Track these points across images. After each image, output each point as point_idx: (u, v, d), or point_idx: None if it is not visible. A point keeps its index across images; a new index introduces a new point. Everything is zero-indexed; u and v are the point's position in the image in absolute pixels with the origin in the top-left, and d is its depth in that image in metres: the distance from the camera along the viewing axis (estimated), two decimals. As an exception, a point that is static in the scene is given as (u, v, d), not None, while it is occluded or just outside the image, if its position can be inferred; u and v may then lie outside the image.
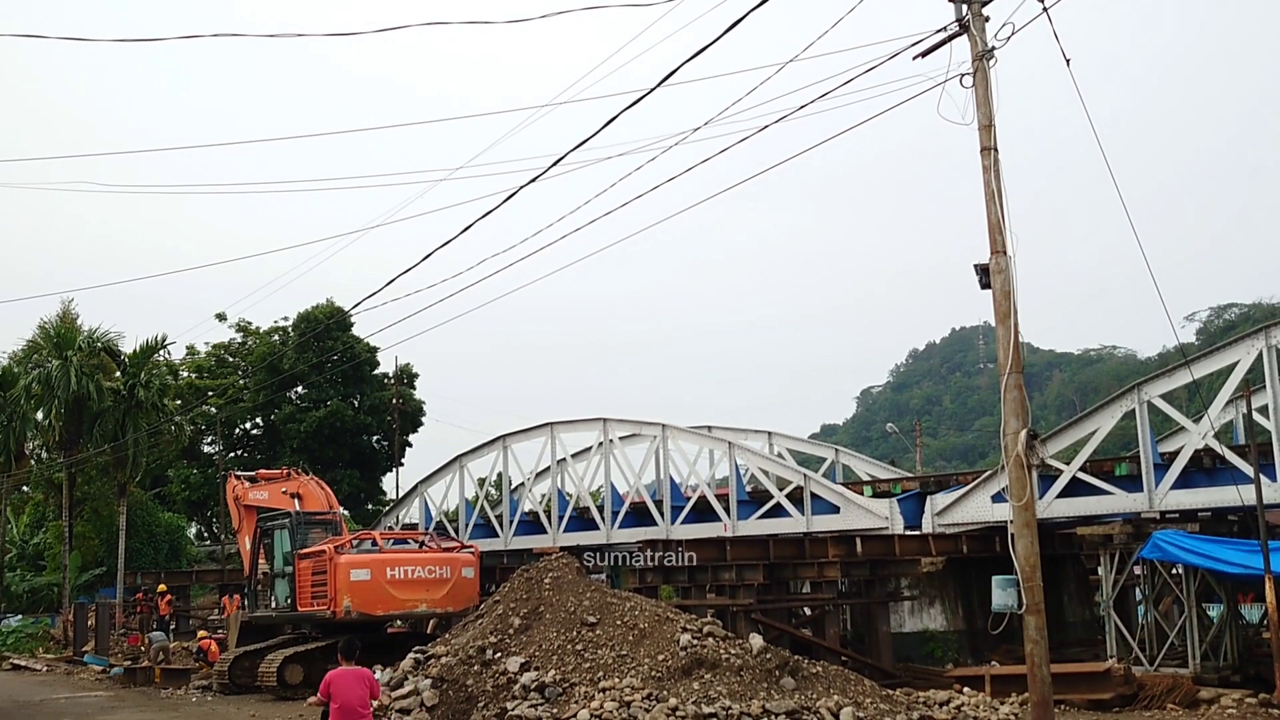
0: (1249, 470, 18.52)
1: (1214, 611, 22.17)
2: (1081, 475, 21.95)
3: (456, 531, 34.72)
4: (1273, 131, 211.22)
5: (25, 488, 53.23)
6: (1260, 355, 19.93)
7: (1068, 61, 13.74)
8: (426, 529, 33.71)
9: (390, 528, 37.92)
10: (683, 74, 14.06)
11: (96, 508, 47.23)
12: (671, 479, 30.13)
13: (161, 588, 39.33)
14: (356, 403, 56.71)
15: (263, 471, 33.19)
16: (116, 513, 43.30)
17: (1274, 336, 19.86)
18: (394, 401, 56.09)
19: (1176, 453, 21.25)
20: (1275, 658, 17.26)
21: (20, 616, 45.69)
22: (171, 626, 36.93)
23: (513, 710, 15.48)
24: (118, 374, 44.23)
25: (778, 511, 27.14)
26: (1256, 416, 20.82)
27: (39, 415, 43.96)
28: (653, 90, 14.55)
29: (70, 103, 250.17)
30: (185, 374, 58.15)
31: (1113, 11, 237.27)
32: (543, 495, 34.75)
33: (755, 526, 27.16)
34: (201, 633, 35.90)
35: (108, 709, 23.45)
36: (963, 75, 13.50)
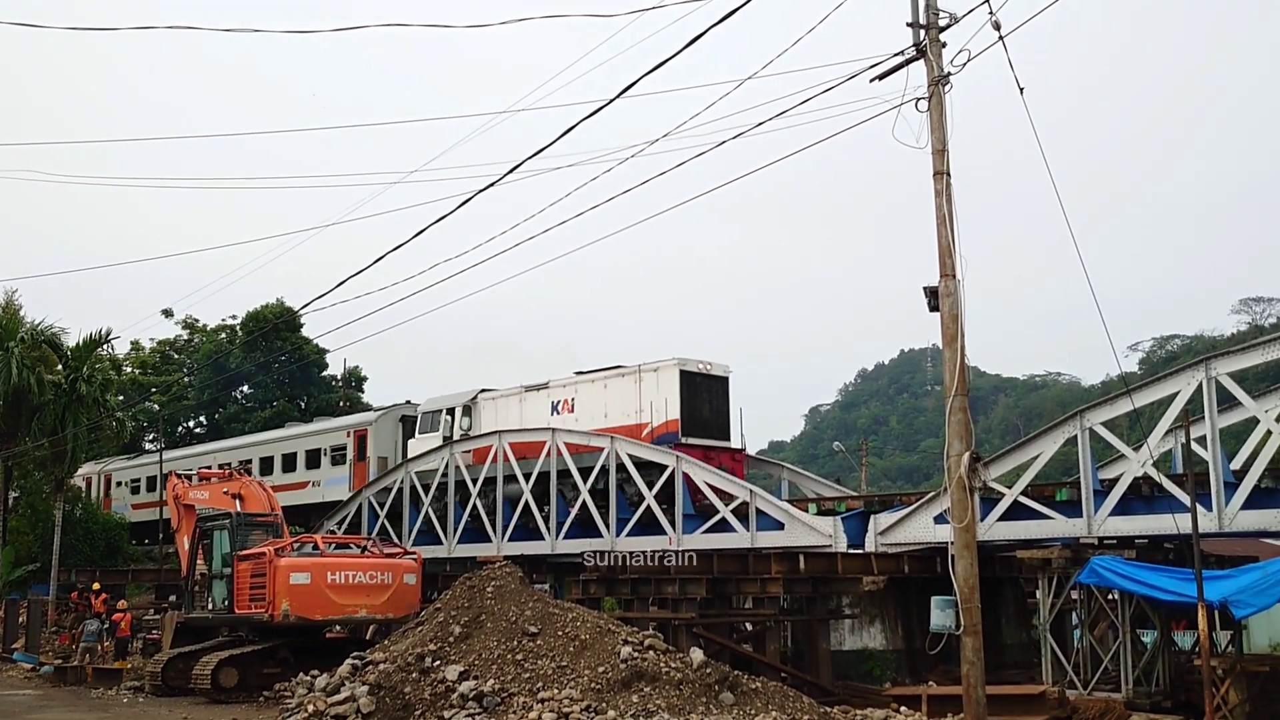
0: (1186, 499, 18.79)
1: (1148, 638, 22.47)
2: (1023, 499, 22.14)
3: (399, 537, 34.41)
4: (1221, 167, 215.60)
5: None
6: (1200, 386, 20.26)
7: (1021, 90, 14.00)
8: (369, 534, 33.37)
9: (332, 531, 37.51)
10: (643, 86, 14.17)
11: (33, 502, 46.40)
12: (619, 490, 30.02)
13: (96, 586, 38.67)
14: (303, 404, 56.27)
15: (204, 470, 32.74)
16: (53, 508, 42.56)
17: (1214, 368, 20.19)
18: (340, 404, 55.64)
19: (1116, 480, 21.50)
20: (1205, 685, 17.53)
21: (-51, 612, 44.73)
22: (105, 625, 36.28)
23: (450, 719, 15.39)
24: (59, 367, 43.51)
25: (723, 526, 27.14)
26: (1195, 447, 21.13)
27: (-23, 407, 43.13)
28: (611, 101, 14.63)
29: (18, 89, 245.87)
30: (129, 369, 57.37)
31: (1072, 45, 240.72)
32: (488, 503, 34.51)
33: (699, 541, 27.14)
34: (122, 603, 35.20)
35: (36, 708, 22.99)
36: (918, 99, 13.69)
